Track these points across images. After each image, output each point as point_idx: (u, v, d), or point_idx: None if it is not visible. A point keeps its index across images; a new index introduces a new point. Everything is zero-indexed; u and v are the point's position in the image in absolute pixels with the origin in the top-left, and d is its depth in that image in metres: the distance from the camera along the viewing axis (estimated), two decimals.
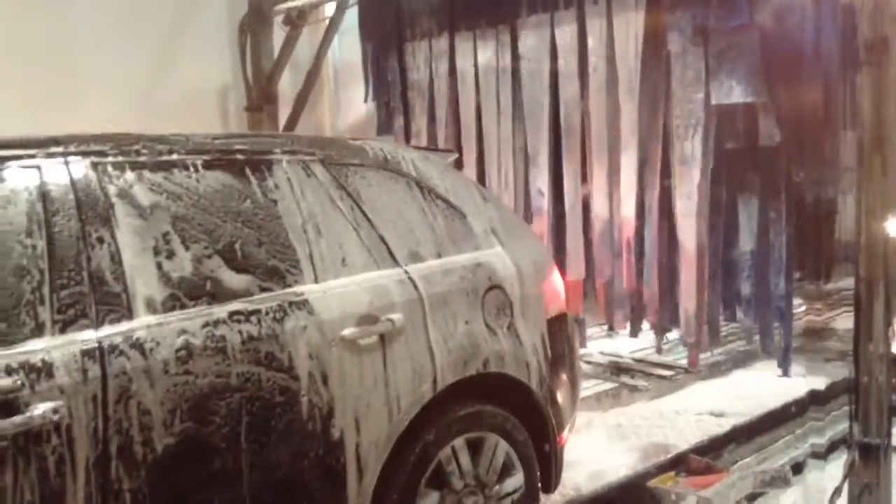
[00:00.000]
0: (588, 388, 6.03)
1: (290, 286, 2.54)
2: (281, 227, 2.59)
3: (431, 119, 6.37)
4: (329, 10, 6.42)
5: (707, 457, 4.20)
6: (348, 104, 7.11)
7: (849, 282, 4.64)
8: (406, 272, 2.86)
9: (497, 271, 3.15)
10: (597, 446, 4.72)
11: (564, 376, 3.38)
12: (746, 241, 5.43)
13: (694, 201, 5.10)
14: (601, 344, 6.79)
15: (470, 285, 3.03)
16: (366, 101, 6.80)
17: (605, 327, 6.82)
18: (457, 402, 2.92)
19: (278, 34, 6.43)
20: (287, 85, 6.65)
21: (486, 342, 3.00)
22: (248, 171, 2.60)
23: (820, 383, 5.56)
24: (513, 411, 3.11)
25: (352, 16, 6.56)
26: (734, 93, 4.89)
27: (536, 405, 3.19)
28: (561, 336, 3.38)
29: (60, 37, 5.51)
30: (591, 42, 5.35)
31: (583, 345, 6.38)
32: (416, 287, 2.85)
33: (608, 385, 6.02)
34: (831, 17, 4.83)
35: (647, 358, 6.53)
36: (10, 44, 5.25)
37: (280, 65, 6.38)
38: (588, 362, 6.59)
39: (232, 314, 2.36)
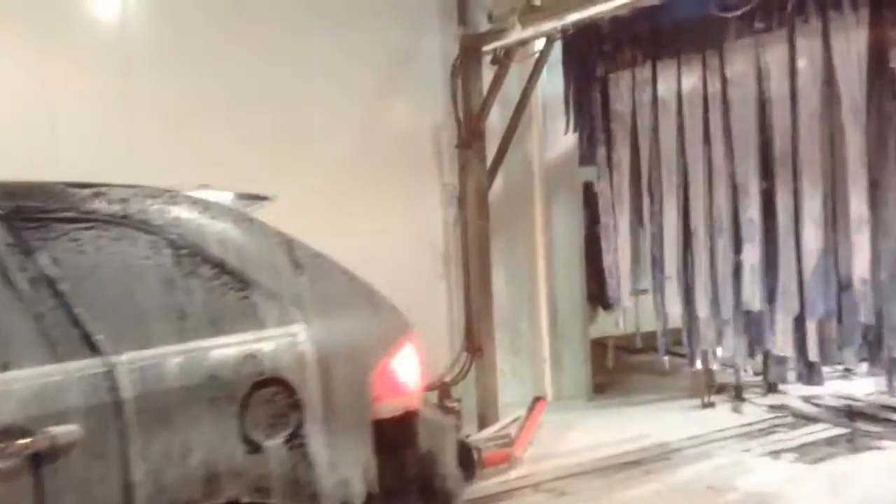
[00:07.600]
0: (815, 432, 5.75)
1: None
2: None
3: (634, 149, 6.23)
4: (538, 44, 6.52)
5: None
6: (556, 136, 7.14)
7: None
8: (107, 364, 2.12)
9: (278, 358, 2.37)
10: (815, 497, 4.47)
11: None
12: None
13: None
14: (834, 385, 6.41)
15: (222, 383, 2.27)
16: (566, 132, 6.80)
17: (841, 367, 6.44)
18: None
19: (487, 72, 6.62)
20: (496, 120, 6.81)
21: (236, 467, 2.21)
22: None
23: None
24: None
25: (559, 48, 6.62)
26: None
27: None
28: (405, 448, 2.49)
29: (297, 86, 6.05)
30: (801, 64, 5.00)
31: (820, 383, 5.92)
32: (115, 386, 2.10)
33: (838, 430, 5.69)
34: None
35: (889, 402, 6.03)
36: (260, 93, 5.84)
37: (488, 102, 6.53)
38: (817, 405, 6.22)
39: None
